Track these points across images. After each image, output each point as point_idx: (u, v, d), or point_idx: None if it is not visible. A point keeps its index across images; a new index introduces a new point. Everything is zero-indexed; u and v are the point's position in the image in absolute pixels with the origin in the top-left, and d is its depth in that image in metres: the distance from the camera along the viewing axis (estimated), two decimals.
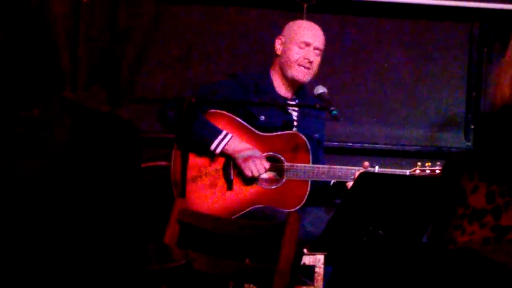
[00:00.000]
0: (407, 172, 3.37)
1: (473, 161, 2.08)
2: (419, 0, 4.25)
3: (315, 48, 3.45)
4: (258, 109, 3.41)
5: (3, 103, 1.19)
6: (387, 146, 4.35)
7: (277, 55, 3.52)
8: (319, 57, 3.48)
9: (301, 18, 3.82)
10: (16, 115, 1.20)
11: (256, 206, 3.31)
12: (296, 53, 3.44)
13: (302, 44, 3.45)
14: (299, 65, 3.44)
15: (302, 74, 3.45)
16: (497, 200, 2.01)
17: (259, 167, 3.28)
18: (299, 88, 3.54)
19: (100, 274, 1.22)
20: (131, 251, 1.26)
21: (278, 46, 3.52)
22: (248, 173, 3.28)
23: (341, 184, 3.39)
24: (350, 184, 3.35)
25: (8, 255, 1.17)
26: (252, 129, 3.37)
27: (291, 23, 3.57)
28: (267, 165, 3.31)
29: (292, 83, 3.50)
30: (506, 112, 2.03)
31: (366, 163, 3.34)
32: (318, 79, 3.54)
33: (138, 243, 1.27)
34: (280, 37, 3.53)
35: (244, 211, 3.30)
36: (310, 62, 3.43)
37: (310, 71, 3.45)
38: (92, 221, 1.21)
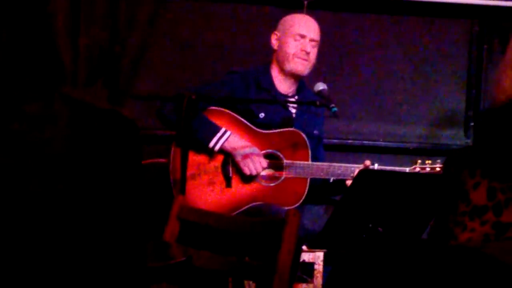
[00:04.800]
0: (407, 169, 3.36)
1: (475, 158, 2.08)
2: None
3: (311, 40, 3.45)
4: (258, 106, 3.41)
5: (2, 98, 1.19)
6: (386, 143, 4.35)
7: (274, 51, 3.52)
8: (315, 48, 3.47)
9: None
10: (14, 110, 1.19)
11: (255, 203, 3.31)
12: (292, 46, 3.44)
13: (297, 37, 3.45)
14: (297, 57, 3.43)
15: (301, 66, 3.44)
16: (498, 196, 2.01)
17: (257, 165, 3.28)
18: (299, 85, 3.53)
19: (99, 272, 1.21)
20: (131, 249, 1.25)
21: (274, 41, 3.51)
22: (246, 171, 3.28)
23: (340, 182, 3.38)
24: (349, 182, 3.34)
25: (5, 254, 1.16)
26: (251, 126, 3.37)
27: (284, 18, 3.56)
28: (264, 163, 3.31)
29: (291, 77, 3.49)
30: (507, 109, 2.03)
31: (368, 162, 3.34)
32: (317, 76, 3.54)
33: (138, 240, 1.27)
34: (275, 32, 3.52)
35: (242, 208, 3.30)
36: (307, 53, 3.43)
37: (308, 62, 3.44)
38: (91, 219, 1.21)
